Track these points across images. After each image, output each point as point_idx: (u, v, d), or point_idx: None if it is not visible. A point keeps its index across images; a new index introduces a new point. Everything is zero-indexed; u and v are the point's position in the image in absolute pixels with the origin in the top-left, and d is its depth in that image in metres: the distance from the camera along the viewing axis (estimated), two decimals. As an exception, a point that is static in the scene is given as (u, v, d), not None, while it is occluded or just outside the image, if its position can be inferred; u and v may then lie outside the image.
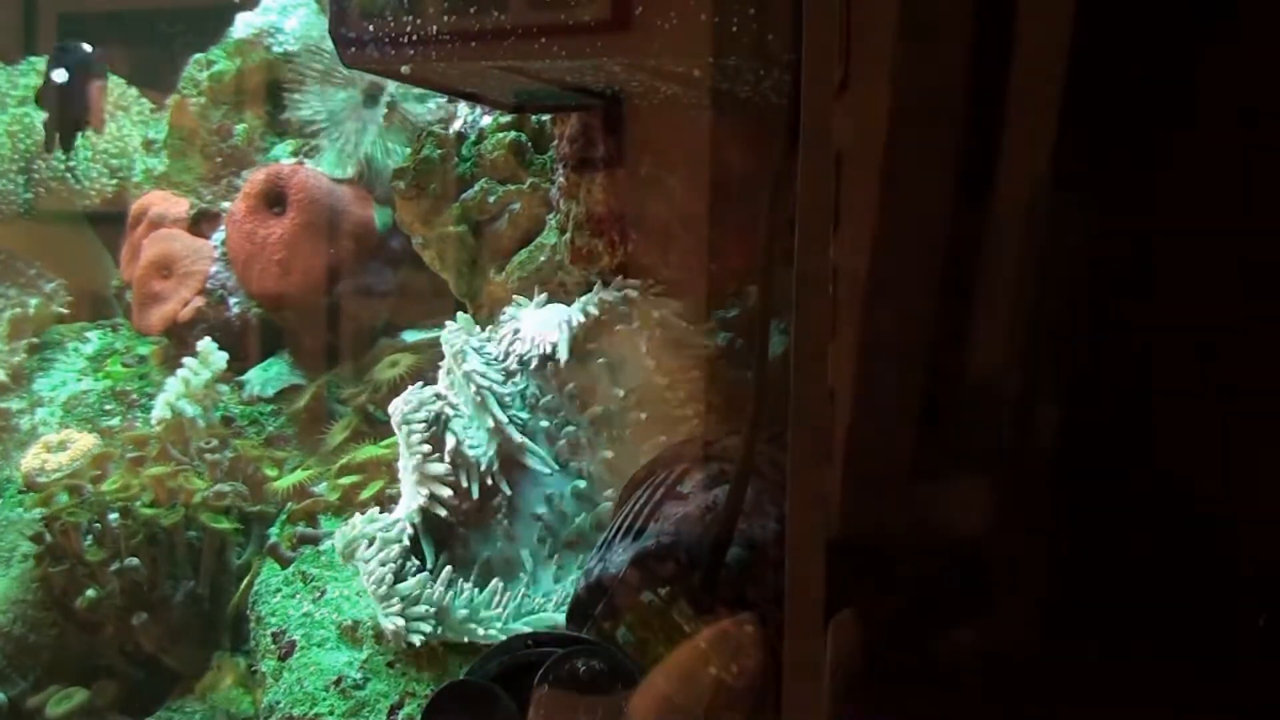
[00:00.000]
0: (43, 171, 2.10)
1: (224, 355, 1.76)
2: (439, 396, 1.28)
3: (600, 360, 1.24)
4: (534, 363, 1.26)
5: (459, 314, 1.36)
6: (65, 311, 2.12)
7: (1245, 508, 0.57)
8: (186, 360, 1.74)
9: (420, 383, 1.31)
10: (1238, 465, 0.57)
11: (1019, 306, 0.60)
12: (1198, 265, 0.57)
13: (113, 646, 1.57)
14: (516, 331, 1.28)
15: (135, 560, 1.50)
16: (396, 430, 1.27)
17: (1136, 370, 0.58)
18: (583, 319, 1.21)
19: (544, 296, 1.32)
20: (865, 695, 0.62)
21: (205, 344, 1.77)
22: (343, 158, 1.88)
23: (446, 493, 1.22)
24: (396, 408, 1.28)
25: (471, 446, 1.24)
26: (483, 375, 1.27)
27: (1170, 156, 0.57)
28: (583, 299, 1.23)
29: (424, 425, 1.25)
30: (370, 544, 1.20)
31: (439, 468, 1.23)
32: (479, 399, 1.24)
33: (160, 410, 1.69)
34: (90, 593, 1.50)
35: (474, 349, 1.29)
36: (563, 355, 1.21)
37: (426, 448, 1.24)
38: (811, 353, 0.60)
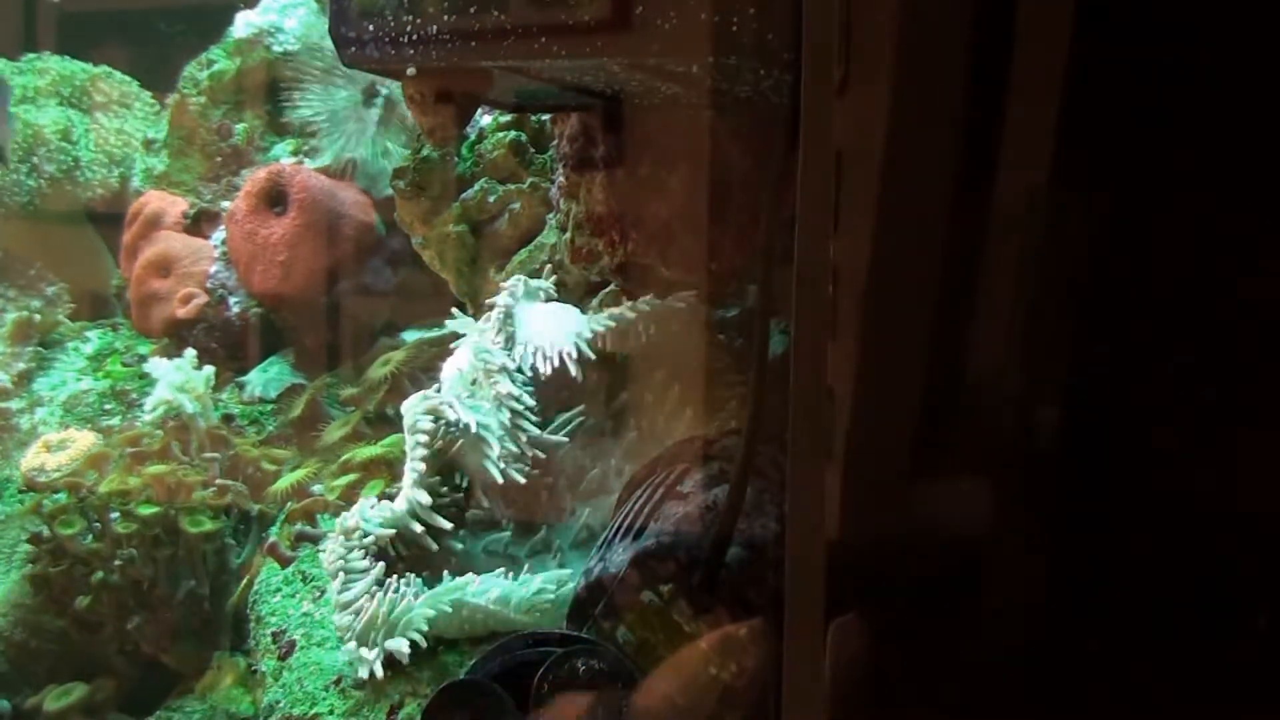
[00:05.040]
0: (44, 162, 2.10)
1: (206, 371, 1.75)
2: (450, 407, 1.26)
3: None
4: (539, 374, 1.24)
5: (457, 312, 1.35)
6: (69, 321, 2.12)
7: (1245, 507, 0.57)
8: (176, 361, 1.75)
9: (436, 386, 1.31)
10: (1237, 465, 0.57)
11: (1019, 306, 0.60)
12: (1197, 264, 0.57)
13: (112, 646, 1.57)
14: (510, 336, 1.26)
15: (133, 551, 1.50)
16: (406, 433, 1.26)
17: (1136, 370, 0.58)
18: (590, 335, 1.20)
19: (540, 284, 1.31)
20: (865, 696, 0.62)
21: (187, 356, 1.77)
22: (334, 152, 1.88)
23: (428, 509, 1.21)
24: (408, 408, 1.25)
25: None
26: (515, 398, 1.26)
27: (1170, 155, 0.57)
28: (593, 316, 1.23)
29: (429, 435, 1.23)
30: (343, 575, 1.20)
31: (423, 496, 1.22)
32: (507, 423, 1.24)
33: (159, 395, 1.69)
34: (99, 575, 1.50)
35: (507, 368, 1.28)
36: (575, 374, 1.19)
37: (422, 466, 1.22)
38: (811, 353, 0.60)
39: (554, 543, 1.26)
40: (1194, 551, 0.57)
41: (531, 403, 1.26)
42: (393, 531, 1.21)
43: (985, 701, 0.61)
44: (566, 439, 1.28)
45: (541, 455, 1.25)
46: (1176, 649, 0.58)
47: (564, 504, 1.28)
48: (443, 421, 1.23)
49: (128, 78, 2.25)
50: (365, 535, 1.21)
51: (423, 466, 1.22)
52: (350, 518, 1.23)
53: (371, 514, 1.23)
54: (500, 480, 1.20)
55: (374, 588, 1.17)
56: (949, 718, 0.62)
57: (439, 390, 1.27)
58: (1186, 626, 0.58)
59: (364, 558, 1.20)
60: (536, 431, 1.25)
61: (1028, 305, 0.60)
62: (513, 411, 1.24)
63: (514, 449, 1.23)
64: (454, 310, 1.35)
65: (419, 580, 1.18)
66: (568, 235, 1.25)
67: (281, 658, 1.29)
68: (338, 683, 1.19)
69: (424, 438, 1.22)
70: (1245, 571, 0.57)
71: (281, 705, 1.22)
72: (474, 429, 1.21)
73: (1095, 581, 0.59)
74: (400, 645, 1.13)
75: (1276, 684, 0.56)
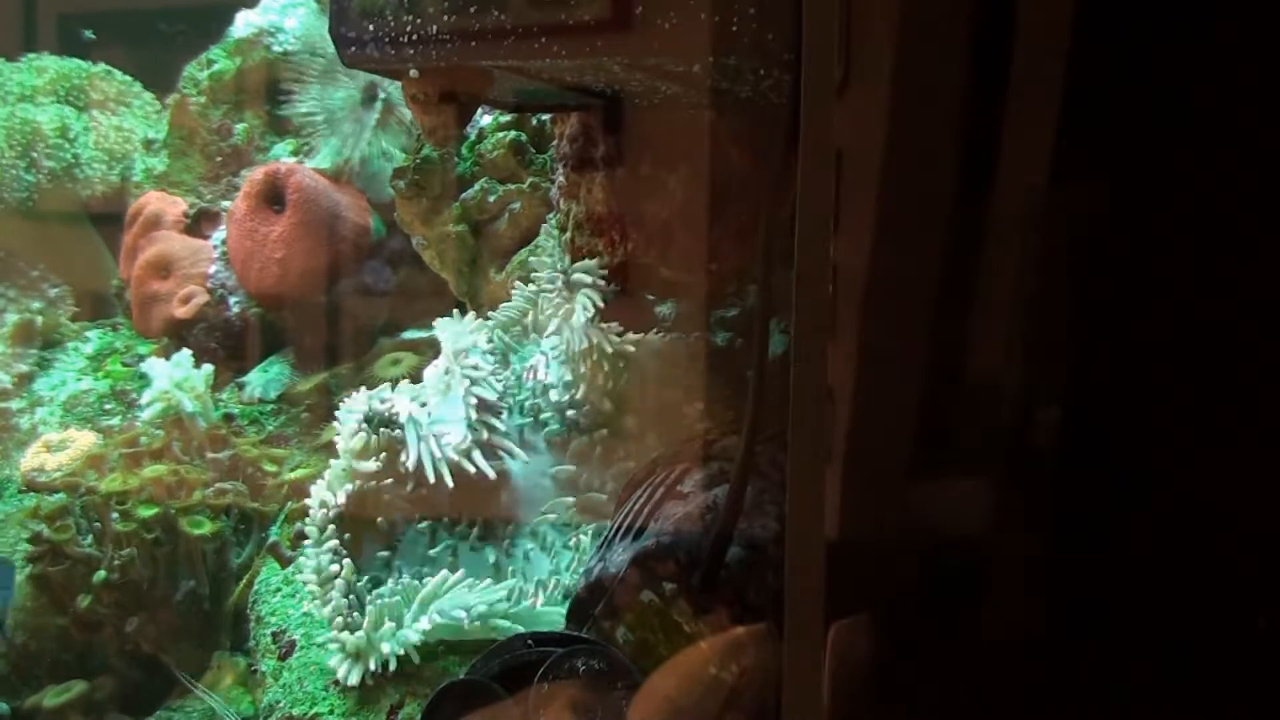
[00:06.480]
0: (43, 158, 2.10)
1: (206, 370, 1.76)
2: (385, 400, 1.29)
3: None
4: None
5: (458, 311, 1.36)
6: (72, 325, 2.12)
7: (1245, 508, 0.57)
8: (175, 359, 1.75)
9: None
10: (1238, 465, 0.57)
11: (1018, 306, 0.60)
12: (1198, 264, 0.57)
13: (112, 646, 1.57)
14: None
15: (133, 551, 1.50)
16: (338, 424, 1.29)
17: (1136, 370, 0.58)
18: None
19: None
20: (865, 696, 0.62)
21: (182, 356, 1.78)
22: (333, 154, 1.88)
23: (370, 465, 1.24)
24: (344, 408, 1.30)
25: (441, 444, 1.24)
26: (476, 369, 1.27)
27: (1170, 155, 0.57)
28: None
29: (355, 423, 1.26)
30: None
31: (369, 465, 1.25)
32: (471, 400, 1.24)
33: (155, 391, 1.69)
34: (100, 575, 1.50)
35: (476, 348, 1.29)
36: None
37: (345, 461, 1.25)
38: (811, 353, 0.60)
39: (496, 552, 1.27)
40: (1195, 551, 0.57)
41: (492, 395, 1.26)
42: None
43: (986, 703, 0.61)
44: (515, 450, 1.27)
45: (481, 466, 1.24)
46: (1178, 649, 0.58)
47: (514, 511, 1.28)
48: (373, 416, 1.26)
49: (127, 76, 2.25)
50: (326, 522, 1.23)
51: (345, 462, 1.25)
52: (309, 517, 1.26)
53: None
54: (431, 474, 1.22)
55: (349, 595, 1.18)
56: (950, 719, 0.62)
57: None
58: (1188, 626, 0.58)
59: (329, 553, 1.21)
60: (499, 425, 1.26)
61: (1028, 305, 0.60)
62: (479, 404, 1.24)
63: (450, 449, 1.23)
64: (454, 313, 1.36)
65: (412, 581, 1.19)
66: (568, 235, 1.25)
67: (281, 658, 1.29)
68: (338, 682, 1.19)
69: (351, 428, 1.27)
70: (1246, 572, 0.57)
71: (281, 705, 1.22)
72: (402, 419, 1.24)
73: (1096, 582, 0.59)
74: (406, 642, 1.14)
75: (1277, 684, 0.56)
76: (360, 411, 1.27)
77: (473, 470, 1.22)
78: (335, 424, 1.31)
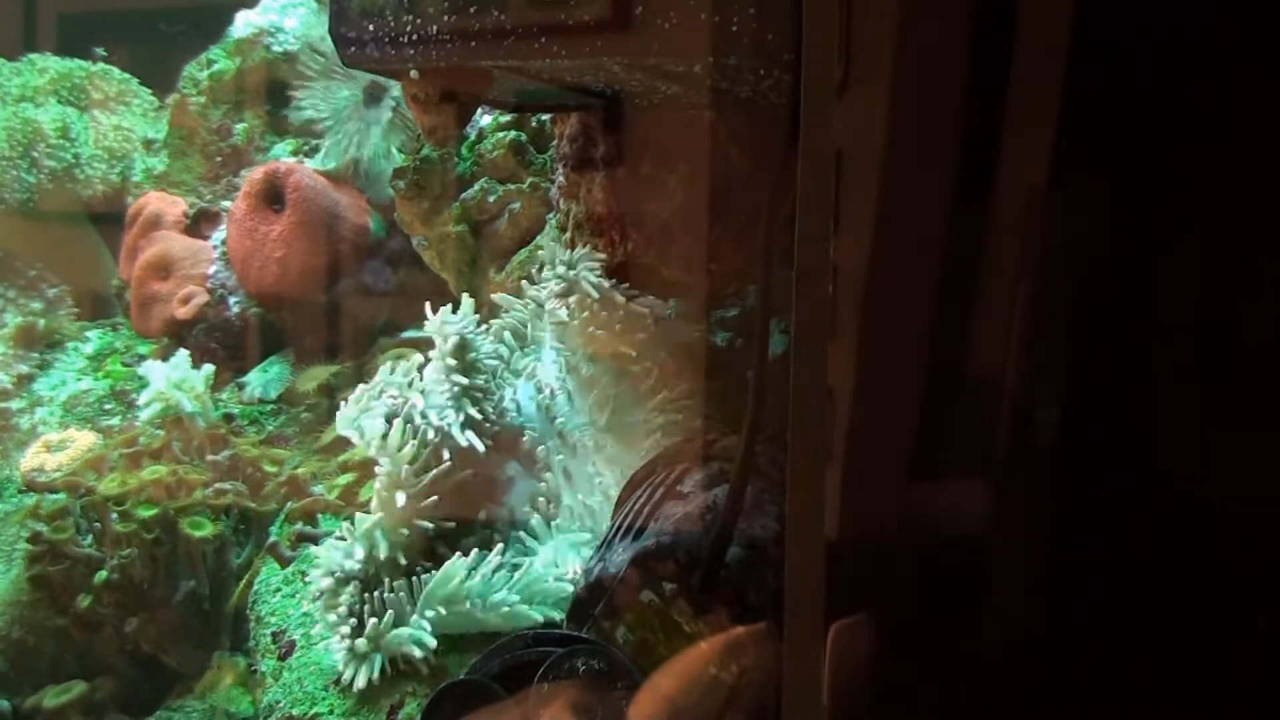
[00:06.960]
0: (44, 158, 2.10)
1: (206, 370, 1.76)
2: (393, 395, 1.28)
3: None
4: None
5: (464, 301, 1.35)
6: (73, 325, 2.13)
7: (1245, 507, 0.57)
8: (172, 360, 1.75)
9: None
10: (1238, 464, 0.57)
11: (1018, 306, 0.60)
12: (1197, 263, 0.57)
13: (112, 646, 1.57)
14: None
15: (133, 551, 1.50)
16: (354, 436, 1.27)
17: (1136, 369, 0.58)
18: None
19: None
20: (865, 696, 0.62)
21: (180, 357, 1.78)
22: (337, 154, 1.88)
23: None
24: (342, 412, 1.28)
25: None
26: (453, 371, 1.27)
27: (1170, 155, 0.57)
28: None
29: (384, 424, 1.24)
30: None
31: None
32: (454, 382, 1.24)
33: (153, 391, 1.69)
34: (101, 575, 1.49)
35: (469, 339, 1.29)
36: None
37: (400, 469, 1.23)
38: (811, 353, 0.60)
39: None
40: (1196, 551, 0.57)
41: (442, 388, 1.25)
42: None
43: (986, 703, 0.61)
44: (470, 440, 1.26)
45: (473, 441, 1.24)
46: (1178, 649, 0.58)
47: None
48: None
49: (126, 75, 2.25)
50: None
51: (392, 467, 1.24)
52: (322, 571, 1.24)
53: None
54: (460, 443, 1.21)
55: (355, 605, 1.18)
56: (950, 719, 0.62)
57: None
58: (1188, 626, 0.58)
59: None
60: (450, 426, 1.25)
61: (1027, 305, 0.60)
62: (460, 393, 1.25)
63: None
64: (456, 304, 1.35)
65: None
66: (568, 235, 1.25)
67: (281, 658, 1.29)
68: (337, 682, 1.19)
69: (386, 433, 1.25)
70: (1246, 572, 0.57)
71: (281, 705, 1.22)
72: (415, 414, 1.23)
73: (1096, 582, 0.59)
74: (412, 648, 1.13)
75: (1277, 684, 0.56)
76: (382, 411, 1.24)
77: (464, 444, 1.21)
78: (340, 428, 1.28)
